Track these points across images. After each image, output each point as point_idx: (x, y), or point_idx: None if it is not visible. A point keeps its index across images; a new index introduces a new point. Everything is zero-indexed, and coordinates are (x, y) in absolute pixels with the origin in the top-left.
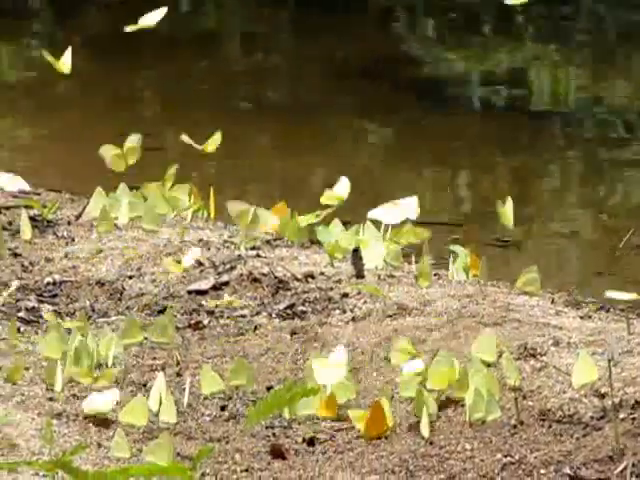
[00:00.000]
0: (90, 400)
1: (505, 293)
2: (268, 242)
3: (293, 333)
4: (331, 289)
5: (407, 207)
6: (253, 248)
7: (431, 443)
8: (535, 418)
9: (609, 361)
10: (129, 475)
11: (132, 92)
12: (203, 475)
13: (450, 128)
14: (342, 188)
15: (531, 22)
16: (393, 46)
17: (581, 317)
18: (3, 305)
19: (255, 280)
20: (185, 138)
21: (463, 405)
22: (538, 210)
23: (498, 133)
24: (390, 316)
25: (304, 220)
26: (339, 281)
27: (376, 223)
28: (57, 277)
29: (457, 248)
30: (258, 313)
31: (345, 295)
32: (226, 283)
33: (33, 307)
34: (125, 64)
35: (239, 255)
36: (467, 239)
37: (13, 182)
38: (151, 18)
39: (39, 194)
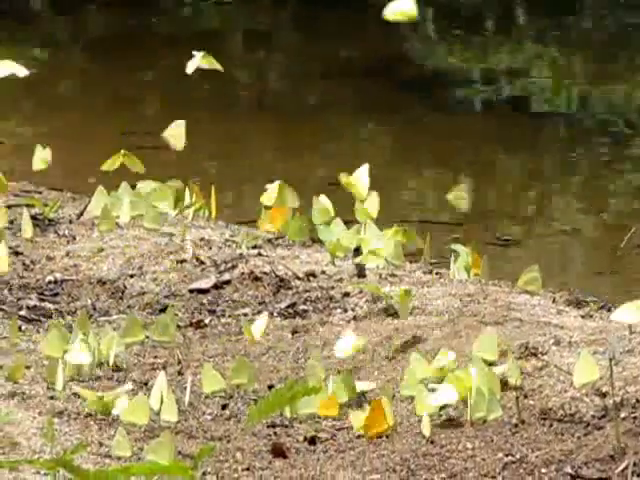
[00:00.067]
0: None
1: (506, 292)
2: (269, 241)
3: (294, 332)
4: (332, 288)
5: None
6: (254, 247)
7: (432, 442)
8: (536, 417)
9: (610, 360)
10: (130, 474)
11: (132, 91)
12: (204, 474)
13: (451, 127)
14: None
15: (532, 22)
16: (395, 45)
17: (582, 316)
18: (4, 303)
19: (256, 279)
20: (166, 136)
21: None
22: (539, 209)
23: (499, 132)
24: (391, 315)
25: None
26: (340, 280)
27: (376, 223)
28: (58, 276)
29: (458, 247)
30: (259, 312)
31: (346, 294)
32: (227, 282)
33: (34, 305)
34: (125, 64)
35: (240, 254)
36: (468, 238)
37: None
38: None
39: (40, 193)
